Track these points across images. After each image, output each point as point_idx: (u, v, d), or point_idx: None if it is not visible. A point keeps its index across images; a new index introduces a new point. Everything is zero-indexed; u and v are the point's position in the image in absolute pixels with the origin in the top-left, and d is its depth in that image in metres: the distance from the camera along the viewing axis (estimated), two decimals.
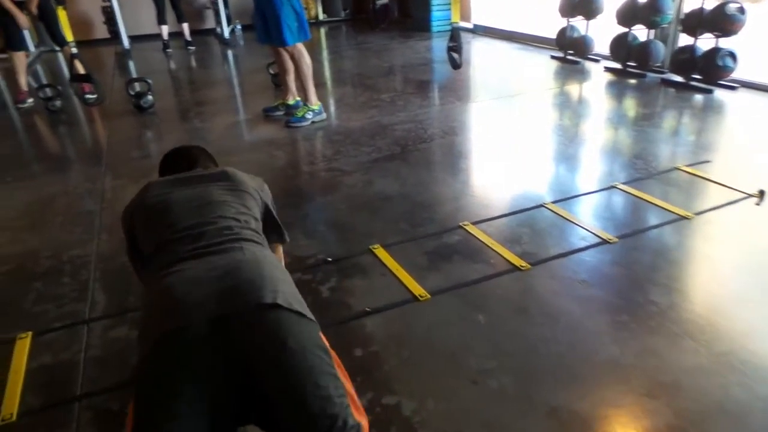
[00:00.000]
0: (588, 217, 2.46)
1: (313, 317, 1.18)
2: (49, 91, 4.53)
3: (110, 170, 3.30)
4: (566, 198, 2.65)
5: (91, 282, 2.15)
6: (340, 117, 4.14)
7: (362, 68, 5.86)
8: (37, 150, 3.90)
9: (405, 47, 6.87)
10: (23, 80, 4.74)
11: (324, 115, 4.01)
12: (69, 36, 4.21)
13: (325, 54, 6.81)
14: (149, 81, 4.46)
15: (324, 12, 9.30)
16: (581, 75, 5.15)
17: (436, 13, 7.66)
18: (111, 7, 6.78)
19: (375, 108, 4.27)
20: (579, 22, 5.42)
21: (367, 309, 1.89)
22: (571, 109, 4.27)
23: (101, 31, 7.87)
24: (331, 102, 4.59)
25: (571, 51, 5.55)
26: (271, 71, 4.90)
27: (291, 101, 4.06)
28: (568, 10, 5.40)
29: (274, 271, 1.22)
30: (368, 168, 3.13)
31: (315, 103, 3.95)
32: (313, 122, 3.92)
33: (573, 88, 4.78)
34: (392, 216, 2.57)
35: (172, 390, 1.00)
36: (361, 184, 2.94)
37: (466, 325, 1.80)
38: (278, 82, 4.53)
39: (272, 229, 1.65)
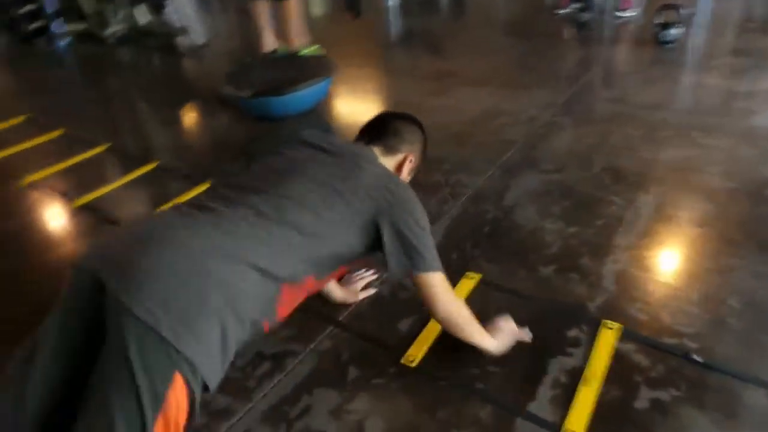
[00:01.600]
0: None
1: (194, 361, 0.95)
2: (579, 4, 4.40)
3: (565, 104, 2.99)
4: None
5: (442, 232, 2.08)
6: None
7: None
8: (537, 59, 3.88)
9: None
10: None
11: None
12: None
13: None
14: (683, 11, 3.65)
15: None
16: None
17: None
18: None
19: None
20: None
21: None
22: None
23: None
24: None
25: None
26: None
27: None
28: None
29: (205, 289, 1.00)
30: None
31: None
32: None
33: None
34: None
35: (45, 323, 1.04)
36: None
37: None
38: None
39: (395, 254, 1.26)
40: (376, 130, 1.47)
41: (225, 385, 1.18)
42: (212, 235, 1.07)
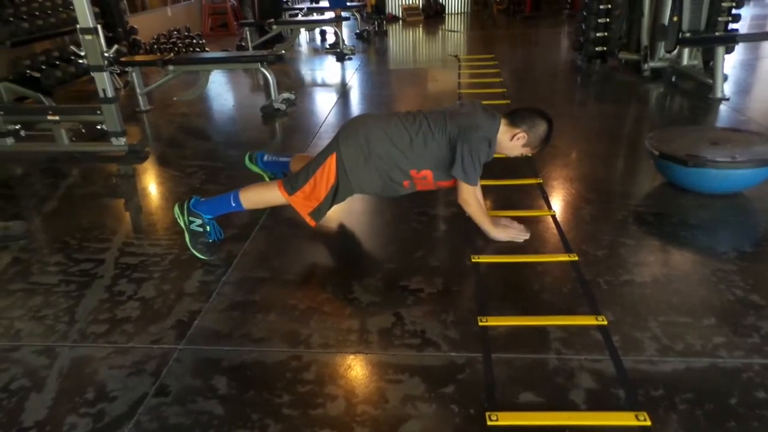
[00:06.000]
0: None
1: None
2: None
3: None
4: None
5: None
6: None
7: None
8: None
9: None
10: None
11: None
12: None
13: None
14: None
15: None
16: None
17: None
18: None
19: None
20: None
21: None
22: None
23: None
24: None
25: None
26: None
27: None
28: None
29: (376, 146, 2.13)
30: None
31: None
32: None
33: None
34: None
35: None
36: None
37: None
38: None
39: (455, 163, 2.08)
40: (517, 110, 2.19)
41: None
42: (390, 136, 2.14)
